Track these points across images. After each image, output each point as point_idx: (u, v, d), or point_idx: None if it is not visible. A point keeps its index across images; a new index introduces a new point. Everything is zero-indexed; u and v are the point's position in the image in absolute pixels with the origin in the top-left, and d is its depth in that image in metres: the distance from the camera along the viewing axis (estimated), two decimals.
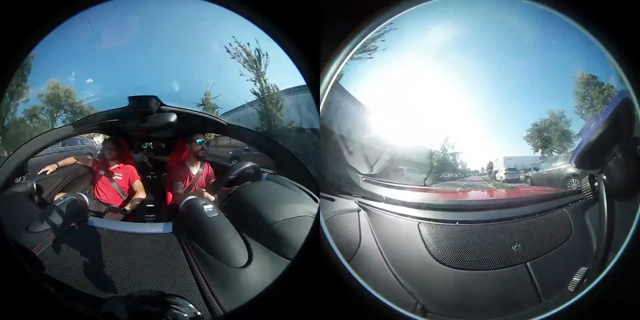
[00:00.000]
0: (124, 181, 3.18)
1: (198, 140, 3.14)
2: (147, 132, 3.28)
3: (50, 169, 2.96)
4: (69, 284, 2.18)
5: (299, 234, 2.36)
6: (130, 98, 2.79)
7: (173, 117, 2.90)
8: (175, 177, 3.21)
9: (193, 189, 3.18)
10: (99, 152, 3.26)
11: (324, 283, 2.05)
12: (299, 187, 2.75)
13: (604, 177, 2.14)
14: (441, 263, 2.27)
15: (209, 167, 3.25)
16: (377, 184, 2.46)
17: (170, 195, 3.23)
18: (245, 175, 3.09)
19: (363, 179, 2.47)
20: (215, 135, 3.27)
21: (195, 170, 3.21)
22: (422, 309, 2.19)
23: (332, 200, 2.36)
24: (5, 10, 1.91)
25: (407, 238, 2.33)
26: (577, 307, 2.05)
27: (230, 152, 3.37)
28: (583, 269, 2.13)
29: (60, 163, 3.03)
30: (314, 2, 2.03)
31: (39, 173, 2.90)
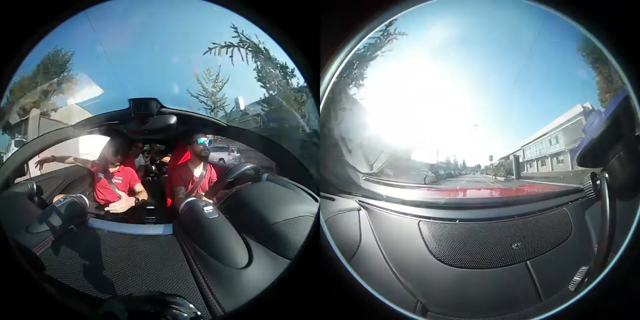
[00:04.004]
0: (124, 184, 3.18)
1: (200, 141, 3.12)
2: (147, 134, 3.28)
3: (50, 170, 2.97)
4: (69, 284, 2.18)
5: (299, 234, 2.36)
6: (131, 100, 2.80)
7: (173, 119, 2.91)
8: (177, 180, 3.20)
9: (195, 192, 3.18)
10: (98, 154, 3.25)
11: (324, 283, 2.05)
12: (299, 187, 2.75)
13: (606, 175, 2.14)
14: (441, 262, 2.27)
15: (212, 169, 3.24)
16: (377, 182, 2.46)
17: (170, 200, 3.23)
18: (245, 177, 3.10)
19: (363, 178, 2.47)
20: (216, 136, 3.28)
21: (198, 172, 3.20)
22: (422, 308, 2.19)
23: (332, 199, 2.36)
24: (6, 10, 1.91)
25: (407, 237, 2.33)
26: (577, 306, 2.04)
27: (231, 154, 3.38)
28: (583, 268, 2.12)
29: (60, 164, 3.03)
30: (314, 2, 2.03)
31: (39, 174, 2.91)
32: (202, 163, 3.20)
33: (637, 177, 2.10)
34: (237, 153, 3.39)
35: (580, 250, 2.24)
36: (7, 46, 1.96)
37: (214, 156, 3.32)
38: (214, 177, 3.23)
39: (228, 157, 3.43)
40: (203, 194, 3.13)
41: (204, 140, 3.14)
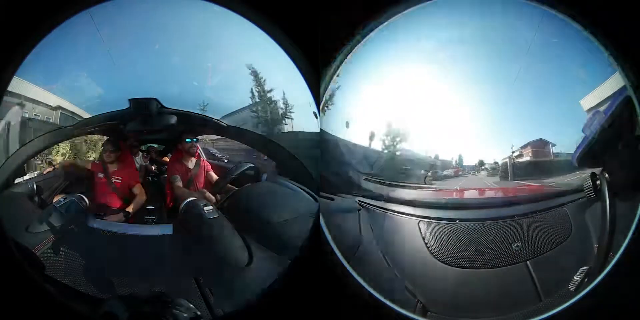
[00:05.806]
0: (123, 184, 3.16)
1: (187, 140, 3.21)
2: (147, 134, 3.28)
3: (49, 170, 2.96)
4: (69, 284, 2.18)
5: (299, 234, 2.36)
6: (131, 100, 2.79)
7: (173, 119, 2.90)
8: (172, 171, 3.25)
9: (194, 184, 3.21)
10: (98, 154, 3.25)
11: (324, 283, 2.05)
12: (299, 187, 2.75)
13: (606, 175, 2.14)
14: (441, 262, 2.27)
15: (205, 162, 3.31)
16: (377, 182, 2.46)
17: (170, 195, 3.24)
18: (245, 177, 3.11)
19: (363, 178, 2.47)
20: (208, 135, 3.33)
21: (191, 165, 3.26)
22: (422, 308, 2.19)
23: (332, 199, 2.36)
24: (6, 10, 1.91)
25: (407, 237, 2.33)
26: (577, 307, 2.04)
27: (231, 153, 3.39)
28: (583, 269, 2.12)
29: (60, 164, 3.02)
30: (314, 2, 2.03)
31: (39, 174, 2.90)
32: (194, 159, 3.26)
33: (637, 177, 2.10)
34: (237, 153, 3.40)
35: (580, 250, 2.23)
36: (8, 46, 1.97)
37: (210, 154, 3.37)
38: (209, 168, 3.32)
39: (228, 157, 3.44)
40: (205, 191, 3.15)
41: (190, 138, 3.23)
